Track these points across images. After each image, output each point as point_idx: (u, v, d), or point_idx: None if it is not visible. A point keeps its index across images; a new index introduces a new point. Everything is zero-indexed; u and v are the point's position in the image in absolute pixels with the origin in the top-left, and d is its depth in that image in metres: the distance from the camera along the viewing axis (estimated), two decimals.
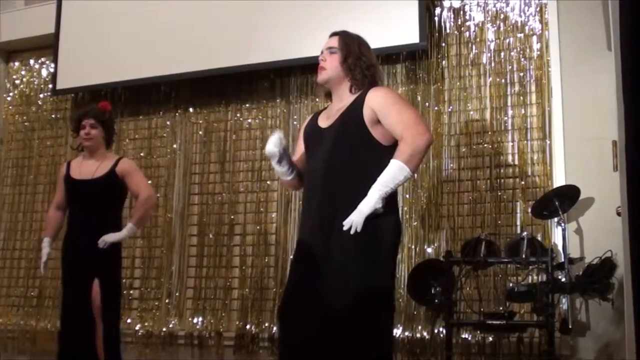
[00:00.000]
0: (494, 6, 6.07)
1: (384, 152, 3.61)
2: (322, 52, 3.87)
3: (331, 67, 3.80)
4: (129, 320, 6.76)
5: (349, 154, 3.62)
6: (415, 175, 5.98)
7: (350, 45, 3.82)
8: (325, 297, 3.44)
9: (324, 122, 3.83)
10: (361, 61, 3.79)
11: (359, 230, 3.43)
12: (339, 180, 3.59)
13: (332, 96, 3.89)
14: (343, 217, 3.47)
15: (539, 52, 5.86)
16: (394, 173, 3.46)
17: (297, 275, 3.68)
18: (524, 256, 4.97)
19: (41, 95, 7.98)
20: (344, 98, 3.79)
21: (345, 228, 3.44)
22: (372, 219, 3.45)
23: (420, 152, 3.53)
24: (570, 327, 4.96)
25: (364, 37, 3.91)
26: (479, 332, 5.51)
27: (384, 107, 3.61)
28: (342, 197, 3.54)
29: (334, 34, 3.91)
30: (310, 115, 4.32)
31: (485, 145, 5.90)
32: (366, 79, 3.78)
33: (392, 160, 3.48)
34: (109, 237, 5.09)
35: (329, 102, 3.98)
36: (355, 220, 3.43)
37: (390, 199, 3.54)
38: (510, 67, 5.94)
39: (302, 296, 3.54)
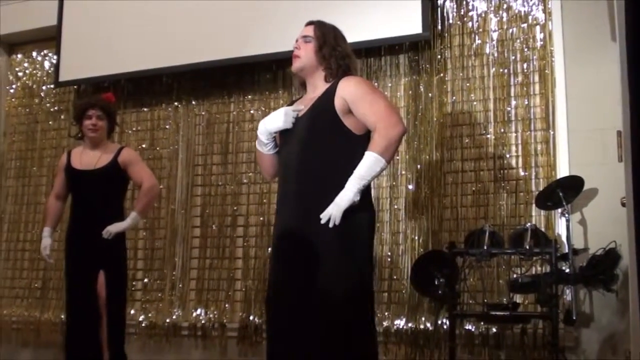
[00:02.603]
0: None
1: (357, 142, 3.63)
2: (296, 41, 3.87)
3: (306, 55, 3.80)
4: (132, 312, 6.76)
5: (322, 143, 3.62)
6: (418, 166, 5.98)
7: (326, 35, 3.82)
8: (306, 296, 3.45)
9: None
10: (336, 51, 3.79)
11: (337, 223, 3.42)
12: (312, 172, 3.59)
13: (307, 85, 3.89)
14: (318, 209, 3.46)
15: (542, 43, 5.84)
16: (370, 165, 3.46)
17: (277, 273, 3.67)
18: (527, 247, 4.97)
19: (44, 88, 7.97)
20: (317, 87, 3.79)
21: (323, 221, 3.44)
22: (347, 214, 3.44)
23: (394, 143, 3.53)
24: (574, 318, 4.95)
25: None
26: (482, 323, 5.51)
27: (355, 97, 3.61)
28: (316, 188, 3.55)
29: (309, 23, 3.91)
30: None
31: (489, 136, 5.89)
32: (340, 68, 3.78)
33: (367, 153, 3.48)
34: (113, 228, 5.08)
35: (304, 91, 3.97)
36: (333, 213, 3.43)
37: (364, 194, 3.54)
38: (513, 57, 5.92)
39: (284, 295, 3.56)
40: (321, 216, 3.45)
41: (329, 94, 3.67)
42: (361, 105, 3.59)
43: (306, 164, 3.61)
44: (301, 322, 3.45)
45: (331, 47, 3.79)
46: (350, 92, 3.62)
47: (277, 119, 3.73)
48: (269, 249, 6.39)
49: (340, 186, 3.47)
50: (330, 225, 3.42)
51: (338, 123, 3.62)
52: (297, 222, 3.59)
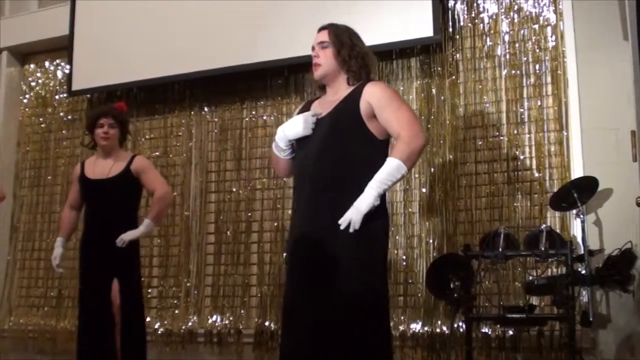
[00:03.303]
0: None
1: (379, 147, 3.62)
2: (313, 48, 3.83)
3: (326, 62, 3.76)
4: (148, 319, 6.75)
5: (342, 146, 3.58)
6: (432, 169, 5.97)
7: (341, 37, 3.78)
8: (322, 302, 3.43)
9: (318, 111, 3.77)
10: (354, 51, 3.75)
11: (357, 228, 3.40)
12: (330, 174, 3.55)
13: (327, 89, 3.85)
14: (334, 213, 3.45)
15: (554, 43, 5.82)
16: (391, 171, 3.44)
17: (293, 279, 3.65)
18: (543, 249, 4.94)
19: (57, 97, 8.01)
20: (339, 90, 3.76)
21: (343, 227, 3.41)
22: (363, 219, 3.42)
23: (417, 153, 3.53)
24: (591, 319, 4.91)
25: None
26: (498, 326, 5.48)
27: (381, 102, 3.58)
28: (334, 191, 3.52)
29: (322, 28, 3.87)
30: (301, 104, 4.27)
31: (502, 137, 5.87)
32: (363, 69, 3.76)
33: (389, 158, 3.46)
34: (127, 236, 5.08)
35: (322, 93, 3.93)
36: (353, 218, 3.40)
37: (380, 199, 3.52)
38: (525, 58, 5.91)
39: (300, 301, 3.53)
40: (340, 222, 3.42)
41: (354, 98, 3.64)
42: (386, 111, 3.56)
43: (324, 166, 3.57)
44: (317, 327, 3.44)
45: (349, 48, 3.75)
46: (376, 97, 3.59)
47: (297, 126, 3.69)
48: (284, 254, 6.41)
49: (359, 190, 3.44)
50: (351, 230, 3.40)
51: (362, 127, 3.59)
52: (312, 226, 3.56)
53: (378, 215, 3.51)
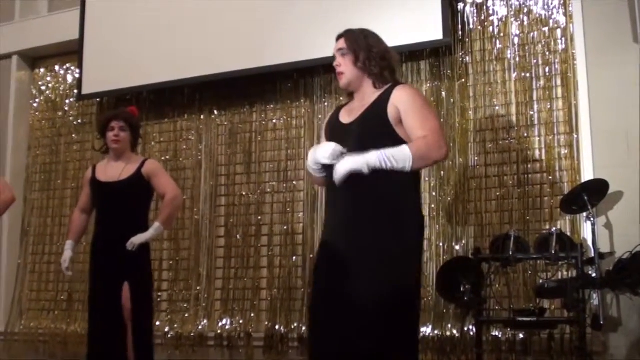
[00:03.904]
0: (517, 0, 6.03)
1: None
2: (335, 57, 3.81)
3: (347, 69, 3.73)
4: (158, 323, 6.78)
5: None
6: (442, 173, 5.97)
7: (358, 41, 3.73)
8: (351, 300, 3.40)
9: (345, 118, 3.75)
10: (373, 53, 3.71)
11: (340, 176, 3.45)
12: (363, 179, 3.49)
13: (355, 94, 3.80)
14: (366, 218, 3.45)
15: (564, 46, 5.81)
16: (400, 156, 3.41)
17: (321, 277, 3.63)
18: (553, 252, 4.94)
19: (67, 101, 8.04)
20: (366, 95, 3.71)
21: (342, 169, 3.44)
22: (395, 217, 3.42)
23: (430, 161, 3.52)
24: (601, 323, 4.90)
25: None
26: (509, 329, 5.47)
27: (409, 108, 3.53)
28: (365, 197, 3.49)
29: (339, 36, 3.83)
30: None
31: (512, 140, 5.86)
32: (385, 70, 3.72)
33: (404, 146, 3.44)
34: (137, 239, 5.07)
35: (351, 99, 3.91)
36: (341, 166, 3.46)
37: (413, 198, 3.51)
38: (535, 61, 5.90)
39: (329, 299, 3.50)
40: (337, 163, 3.47)
41: (382, 102, 3.61)
42: (413, 117, 3.52)
43: (354, 173, 3.53)
44: (344, 326, 3.42)
45: (367, 51, 3.70)
46: (404, 101, 3.55)
47: (325, 154, 3.58)
48: (294, 257, 6.43)
49: (390, 194, 3.46)
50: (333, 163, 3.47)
51: (390, 131, 3.55)
52: (343, 229, 3.53)
53: (411, 214, 3.51)
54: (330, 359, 3.47)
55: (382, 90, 3.68)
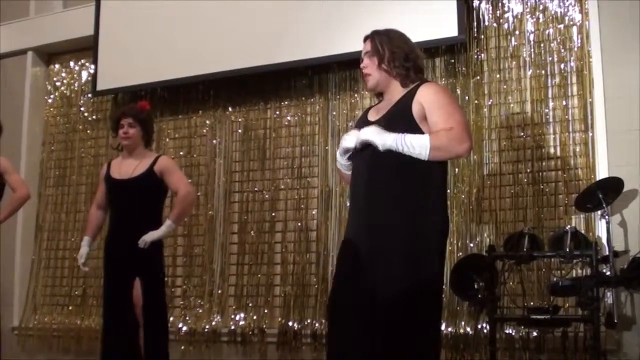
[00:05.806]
0: None
1: None
2: (362, 60, 3.82)
3: (373, 71, 3.73)
4: (171, 319, 6.78)
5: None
6: (456, 170, 5.96)
7: (382, 43, 3.73)
8: (372, 297, 3.40)
9: (373, 116, 3.75)
10: (396, 55, 3.71)
11: (357, 143, 3.54)
12: (386, 177, 3.51)
13: (384, 95, 3.81)
14: (389, 217, 3.44)
15: (579, 43, 5.79)
16: (419, 143, 3.41)
17: (342, 274, 3.63)
18: (567, 250, 4.92)
19: (82, 97, 8.07)
20: (394, 94, 3.71)
21: (364, 133, 3.49)
22: (417, 218, 3.42)
23: (451, 154, 3.50)
24: (615, 321, 4.89)
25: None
26: (523, 327, 5.46)
27: (434, 104, 3.52)
28: (389, 196, 3.49)
29: (365, 38, 3.83)
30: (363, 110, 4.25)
31: (527, 138, 5.85)
32: (411, 70, 3.71)
33: (425, 136, 3.43)
34: (149, 237, 5.08)
35: (380, 99, 3.89)
36: (364, 134, 3.50)
37: (435, 196, 3.50)
38: (550, 58, 5.88)
39: (349, 295, 3.50)
40: (361, 134, 3.51)
41: (407, 100, 3.60)
42: (437, 113, 3.50)
43: (378, 167, 3.53)
44: (364, 323, 3.42)
45: (391, 52, 3.70)
46: (429, 98, 3.54)
47: (350, 139, 3.63)
48: (308, 254, 6.43)
49: (413, 191, 3.46)
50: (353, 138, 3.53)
51: (415, 128, 3.52)
52: (366, 227, 3.52)
53: (433, 212, 3.49)
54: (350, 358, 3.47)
55: (409, 88, 3.68)
